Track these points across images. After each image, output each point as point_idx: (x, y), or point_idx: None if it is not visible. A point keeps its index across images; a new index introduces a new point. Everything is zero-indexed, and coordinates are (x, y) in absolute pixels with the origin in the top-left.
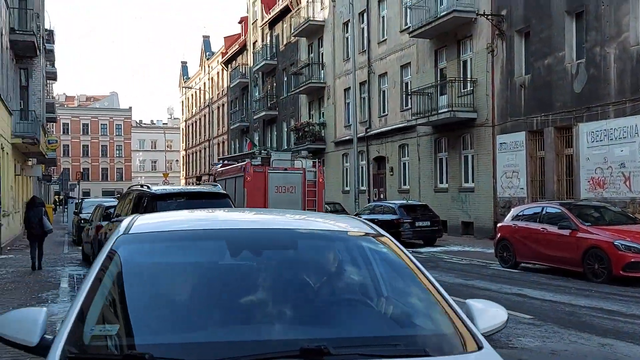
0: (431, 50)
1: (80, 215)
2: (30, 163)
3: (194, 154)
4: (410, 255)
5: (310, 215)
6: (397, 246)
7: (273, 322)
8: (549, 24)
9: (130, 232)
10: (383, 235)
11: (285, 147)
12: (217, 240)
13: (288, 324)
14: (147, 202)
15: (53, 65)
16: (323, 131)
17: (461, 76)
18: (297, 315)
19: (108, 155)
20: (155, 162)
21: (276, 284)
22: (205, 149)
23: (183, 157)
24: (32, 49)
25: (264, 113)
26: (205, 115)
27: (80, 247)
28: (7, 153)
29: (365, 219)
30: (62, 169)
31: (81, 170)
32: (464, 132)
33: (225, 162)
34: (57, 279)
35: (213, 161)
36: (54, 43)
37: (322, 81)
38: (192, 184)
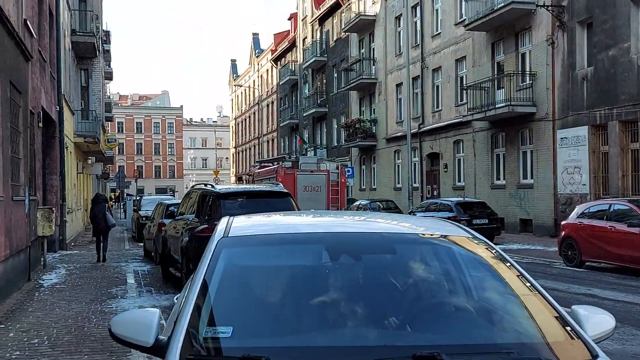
0: (488, 43)
1: (140, 212)
2: (89, 161)
3: (244, 152)
4: (511, 260)
5: (404, 219)
6: (497, 251)
7: (381, 327)
8: (613, 14)
9: (229, 235)
10: (481, 240)
11: (335, 145)
12: (316, 244)
13: (396, 330)
14: (212, 201)
15: (109, 65)
16: (374, 128)
17: (519, 69)
18: (404, 321)
19: (161, 153)
20: (205, 159)
21: (378, 289)
22: (254, 146)
23: (233, 154)
24: (92, 49)
25: (313, 110)
26: (254, 113)
27: (142, 244)
28: (71, 152)
29: (420, 216)
30: (117, 167)
31: (136, 168)
32: (523, 127)
33: (263, 164)
34: (123, 275)
35: (255, 160)
36: (110, 43)
37: (373, 77)
38: (235, 182)
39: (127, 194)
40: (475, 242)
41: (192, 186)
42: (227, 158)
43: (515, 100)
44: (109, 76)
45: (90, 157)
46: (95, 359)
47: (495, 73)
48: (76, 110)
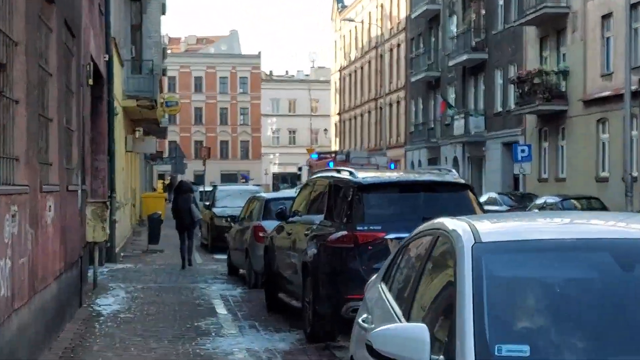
0: None
1: (214, 209)
2: (137, 134)
3: (354, 120)
4: None
5: None
6: None
7: None
8: None
9: (482, 240)
10: None
11: (499, 111)
12: (597, 251)
13: None
14: (352, 196)
15: None
16: (564, 84)
17: None
18: None
19: (229, 122)
20: (293, 132)
21: None
22: (370, 111)
23: (336, 124)
24: None
25: (465, 57)
26: (370, 62)
27: (219, 256)
28: (120, 121)
29: None
30: (167, 143)
31: (201, 145)
32: None
33: (321, 155)
34: (208, 302)
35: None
36: None
37: (563, 4)
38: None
39: (193, 183)
40: None
41: (314, 173)
42: (326, 130)
43: None
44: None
45: (138, 129)
46: None
47: None
48: (126, 60)
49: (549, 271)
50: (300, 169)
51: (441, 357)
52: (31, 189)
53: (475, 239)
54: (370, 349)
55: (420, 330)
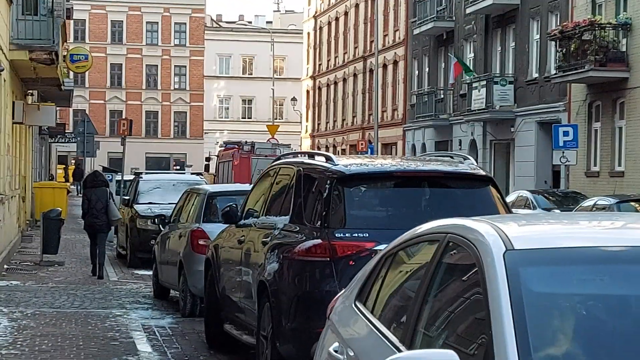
0: None
1: (135, 207)
2: (30, 100)
3: (333, 87)
4: None
5: None
6: None
7: None
8: None
9: (515, 247)
10: None
11: (534, 77)
12: None
13: None
14: (329, 189)
15: None
16: (624, 42)
17: None
18: None
19: (159, 87)
20: (249, 102)
21: None
22: (357, 75)
23: (309, 91)
24: None
25: (490, 1)
26: (358, 7)
27: (143, 272)
28: (5, 80)
29: None
30: (71, 114)
31: (123, 116)
32: None
33: (228, 145)
34: (125, 335)
35: (223, 142)
36: None
37: None
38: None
39: (105, 169)
40: None
41: (279, 157)
42: (294, 100)
43: None
44: None
45: (32, 93)
46: None
47: None
48: None
49: (601, 287)
50: (208, 159)
51: None
52: None
53: (506, 246)
54: None
55: (449, 357)
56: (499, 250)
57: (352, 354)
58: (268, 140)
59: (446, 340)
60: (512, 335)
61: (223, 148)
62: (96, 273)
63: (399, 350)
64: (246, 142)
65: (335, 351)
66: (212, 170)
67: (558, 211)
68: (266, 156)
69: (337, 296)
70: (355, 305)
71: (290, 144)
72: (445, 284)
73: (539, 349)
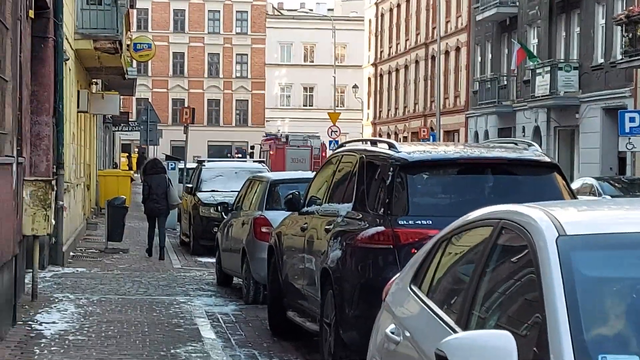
0: None
1: (199, 194)
2: (94, 89)
3: (395, 74)
4: None
5: None
6: None
7: None
8: None
9: (567, 232)
10: None
11: (599, 62)
12: None
13: None
14: (392, 177)
15: None
16: None
17: None
18: None
19: (221, 75)
20: (310, 89)
21: None
22: (419, 62)
23: (370, 79)
24: None
25: None
26: None
27: (206, 259)
28: (70, 69)
29: None
30: (134, 102)
31: (186, 104)
32: None
33: (268, 136)
34: (190, 322)
35: (265, 133)
36: None
37: None
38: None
39: (168, 158)
40: None
41: (340, 145)
42: (355, 87)
43: None
44: None
45: (96, 81)
46: None
47: None
48: None
49: None
50: (252, 147)
51: None
52: None
53: (558, 231)
54: None
55: (505, 338)
56: (552, 235)
57: (408, 334)
58: (328, 128)
59: (499, 322)
60: (565, 317)
61: (265, 139)
62: (151, 254)
63: (455, 332)
64: (282, 134)
65: (392, 332)
66: (256, 158)
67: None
68: (298, 147)
69: (392, 280)
70: (411, 288)
71: (319, 135)
72: (498, 268)
73: (590, 330)
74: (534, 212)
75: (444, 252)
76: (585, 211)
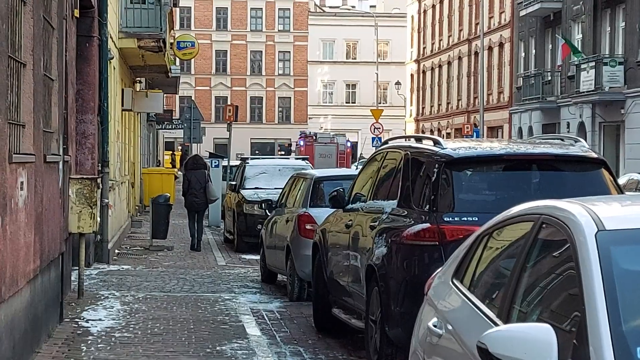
0: None
1: (242, 192)
2: (138, 87)
3: (438, 70)
4: None
5: None
6: None
7: None
8: None
9: (606, 227)
10: None
11: None
12: None
13: None
14: (438, 173)
15: None
16: None
17: None
18: None
19: (264, 72)
20: (353, 86)
21: None
22: (462, 58)
23: (413, 75)
24: None
25: None
26: None
27: (250, 256)
28: (114, 67)
29: None
30: (176, 100)
31: (228, 102)
32: None
33: (301, 134)
34: (235, 318)
35: (300, 132)
36: None
37: None
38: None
39: (211, 155)
40: None
41: (384, 142)
42: (398, 84)
43: None
44: None
45: (140, 80)
46: None
47: None
48: None
49: None
50: (290, 144)
51: None
52: None
53: (597, 226)
54: (484, 353)
55: (546, 331)
56: (591, 230)
57: (450, 327)
58: (371, 125)
59: (540, 316)
60: (604, 310)
61: (299, 137)
62: (195, 247)
63: (496, 325)
64: (311, 133)
65: (435, 326)
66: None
67: None
68: (325, 144)
69: (434, 274)
70: (453, 282)
71: (344, 134)
72: (539, 263)
73: (629, 321)
74: (574, 208)
75: (485, 247)
76: (624, 206)
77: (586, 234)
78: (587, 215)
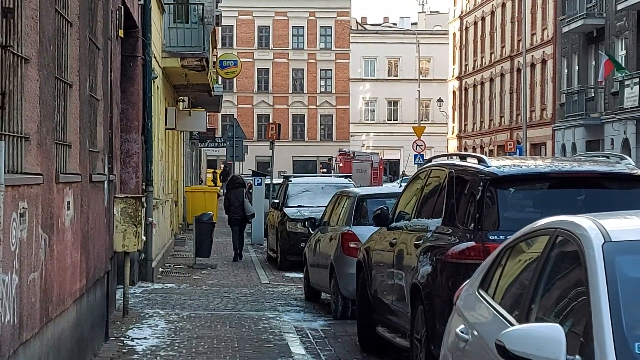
0: None
1: (285, 209)
2: (181, 106)
3: (480, 87)
4: None
5: None
6: None
7: None
8: None
9: (612, 239)
10: None
11: None
12: None
13: None
14: (483, 192)
15: None
16: None
17: None
18: None
19: (305, 90)
20: (395, 104)
21: None
22: (504, 75)
23: (455, 92)
24: None
25: None
26: (504, 6)
27: (293, 274)
28: (158, 86)
29: None
30: (219, 118)
31: (271, 120)
32: None
33: (340, 152)
34: (279, 337)
35: (339, 149)
36: None
37: None
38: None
39: (254, 173)
40: None
41: (428, 160)
42: (440, 101)
43: None
44: None
45: (183, 99)
46: None
47: None
48: (167, 4)
49: None
50: (330, 159)
51: (577, 357)
52: (45, 178)
53: (604, 238)
54: (502, 350)
55: (555, 329)
56: (599, 242)
57: (476, 333)
58: (413, 142)
59: (553, 318)
60: (607, 311)
61: (338, 154)
62: (235, 259)
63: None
64: (349, 150)
65: (462, 332)
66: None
67: None
68: (362, 160)
69: (462, 285)
70: (479, 292)
71: (378, 152)
72: (553, 272)
73: (631, 325)
74: (585, 222)
75: (508, 259)
76: (630, 220)
77: (594, 245)
78: (596, 228)
